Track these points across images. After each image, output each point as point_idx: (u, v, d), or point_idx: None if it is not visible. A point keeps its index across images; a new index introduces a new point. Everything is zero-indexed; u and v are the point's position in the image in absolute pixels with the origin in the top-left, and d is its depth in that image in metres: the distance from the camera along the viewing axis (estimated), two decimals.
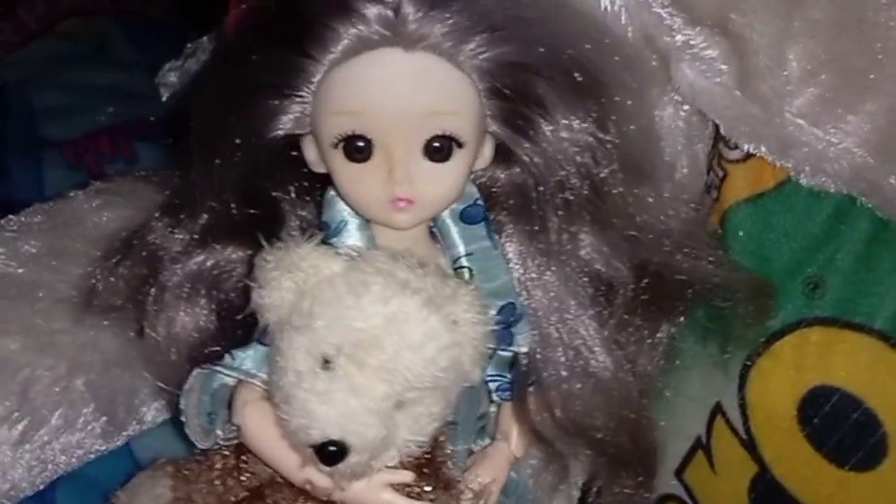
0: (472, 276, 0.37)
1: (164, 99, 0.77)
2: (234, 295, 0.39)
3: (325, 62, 0.32)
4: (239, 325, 0.39)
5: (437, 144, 0.33)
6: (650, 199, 0.37)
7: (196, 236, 0.38)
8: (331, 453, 0.30)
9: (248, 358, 0.34)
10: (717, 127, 0.44)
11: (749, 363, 0.44)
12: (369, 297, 0.30)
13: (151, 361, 0.40)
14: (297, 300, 0.32)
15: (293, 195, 0.38)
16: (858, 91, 0.39)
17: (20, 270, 0.47)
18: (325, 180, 0.37)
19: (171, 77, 0.76)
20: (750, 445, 0.45)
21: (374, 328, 0.30)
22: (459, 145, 0.33)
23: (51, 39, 0.89)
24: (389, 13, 0.31)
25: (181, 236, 0.39)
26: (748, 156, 0.44)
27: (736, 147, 0.44)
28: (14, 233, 0.49)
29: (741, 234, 0.45)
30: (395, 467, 0.32)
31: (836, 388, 0.41)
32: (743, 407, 0.45)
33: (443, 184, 0.34)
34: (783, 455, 0.43)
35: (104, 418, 0.48)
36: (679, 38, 0.42)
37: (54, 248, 0.49)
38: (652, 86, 0.42)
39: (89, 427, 0.47)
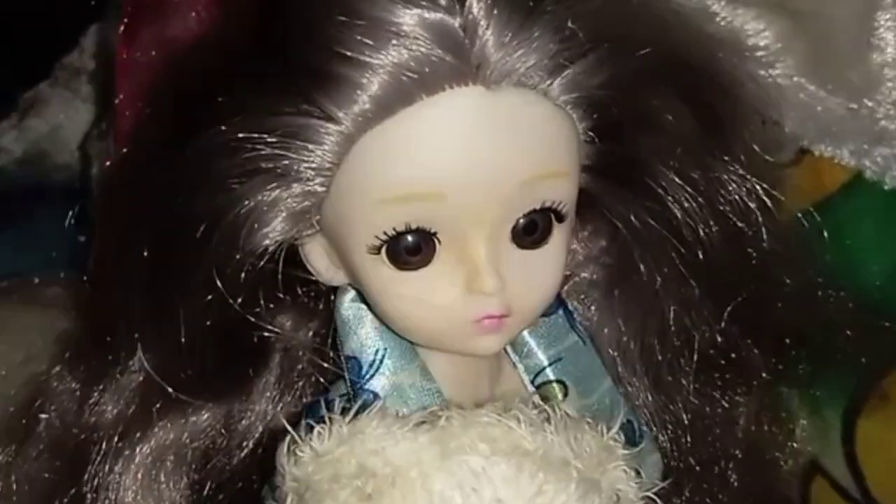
0: (565, 393, 0.26)
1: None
2: (212, 469, 0.26)
3: (349, 122, 0.20)
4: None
5: (530, 223, 0.22)
6: (778, 248, 0.28)
7: (133, 397, 0.24)
8: None
9: None
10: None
11: (852, 414, 0.38)
12: (496, 498, 0.18)
13: None
14: None
15: (274, 319, 0.25)
16: None
17: None
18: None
19: (7, 142, 0.64)
20: None
21: None
22: (560, 219, 0.22)
23: None
24: (455, 24, 0.19)
25: (110, 406, 0.25)
26: (799, 156, 0.38)
27: (781, 149, 0.36)
28: None
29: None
30: None
31: None
32: (852, 463, 0.38)
33: (544, 280, 0.23)
34: None
35: None
36: (723, 23, 0.35)
37: None
38: None
39: None
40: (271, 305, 0.26)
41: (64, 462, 0.26)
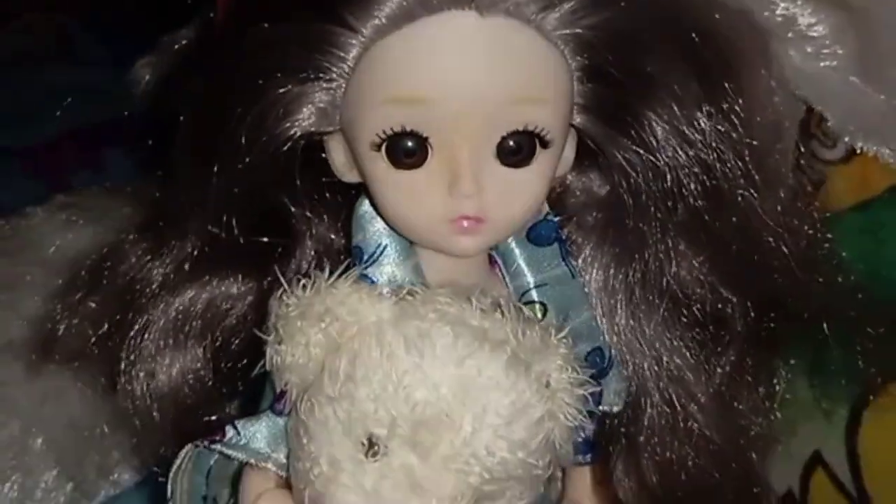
0: (545, 313, 0.29)
1: (137, 98, 0.70)
2: (234, 342, 0.31)
3: (365, 32, 0.24)
4: (241, 381, 0.31)
5: (514, 143, 0.25)
6: (773, 209, 0.29)
7: (184, 266, 0.30)
8: None
9: (257, 433, 0.26)
10: (805, 121, 0.39)
11: (858, 409, 0.39)
12: (434, 355, 0.22)
13: (126, 423, 0.32)
14: (330, 358, 0.23)
15: (310, 212, 0.30)
16: None
17: None
18: (355, 192, 0.29)
19: (145, 74, 0.69)
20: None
21: (442, 399, 0.22)
22: (544, 145, 0.25)
23: (8, 36, 0.82)
24: None
25: (163, 267, 0.30)
26: (850, 155, 0.39)
27: (834, 145, 0.39)
28: None
29: (846, 249, 0.38)
30: None
31: None
32: (852, 458, 0.39)
33: (521, 197, 0.26)
34: None
35: (70, 484, 0.41)
36: (779, 11, 0.36)
37: (6, 277, 0.43)
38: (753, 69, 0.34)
39: (52, 496, 0.39)
40: (308, 202, 0.31)
41: (119, 306, 0.31)
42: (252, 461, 0.26)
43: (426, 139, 0.25)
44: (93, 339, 0.32)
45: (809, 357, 0.38)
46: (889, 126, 0.35)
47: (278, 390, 0.25)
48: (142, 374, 0.30)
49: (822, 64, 0.36)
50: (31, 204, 0.50)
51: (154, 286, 0.31)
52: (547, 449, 0.23)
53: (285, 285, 0.24)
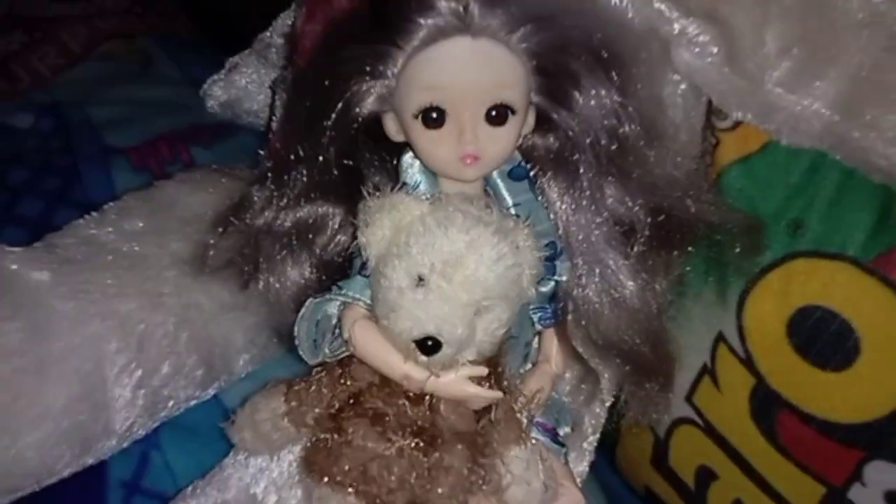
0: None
1: (209, 108, 0.86)
2: (330, 246, 0.47)
3: (408, 49, 0.41)
4: (334, 274, 0.47)
5: (496, 112, 0.41)
6: (661, 154, 0.46)
7: (295, 194, 0.46)
8: (429, 346, 0.39)
9: (352, 286, 0.43)
10: (709, 102, 0.53)
11: (744, 295, 0.52)
12: (454, 228, 0.39)
13: (266, 307, 0.49)
14: (394, 236, 0.40)
15: (374, 162, 0.47)
16: (824, 61, 0.48)
17: (128, 245, 0.56)
18: (397, 152, 0.46)
19: (216, 90, 0.85)
20: (748, 362, 0.52)
21: (458, 251, 0.39)
22: (513, 112, 0.42)
23: (96, 61, 0.98)
24: (460, 9, 0.40)
25: (280, 199, 0.47)
26: (736, 124, 0.52)
27: (726, 117, 0.53)
28: (117, 215, 0.58)
29: (734, 190, 0.53)
30: (473, 362, 0.41)
31: (818, 306, 0.49)
32: (741, 331, 0.53)
33: (501, 143, 0.43)
34: (775, 366, 0.51)
35: (203, 368, 0.56)
36: (676, 26, 0.50)
37: (154, 226, 0.57)
38: (657, 64, 0.51)
39: (192, 376, 0.56)
40: (370, 156, 0.47)
41: (251, 230, 0.48)
42: (350, 301, 0.43)
43: (444, 111, 0.41)
44: (236, 253, 0.50)
45: (705, 260, 0.52)
46: (749, 100, 0.49)
47: (363, 261, 0.43)
48: (276, 275, 0.47)
49: (707, 60, 0.49)
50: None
51: (274, 212, 0.47)
52: (517, 284, 0.41)
53: (366, 196, 0.42)
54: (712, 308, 0.54)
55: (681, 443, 0.60)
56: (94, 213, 0.57)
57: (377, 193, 0.42)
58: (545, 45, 0.42)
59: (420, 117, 0.42)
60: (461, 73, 0.41)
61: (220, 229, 0.50)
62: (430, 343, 0.39)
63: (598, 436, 0.54)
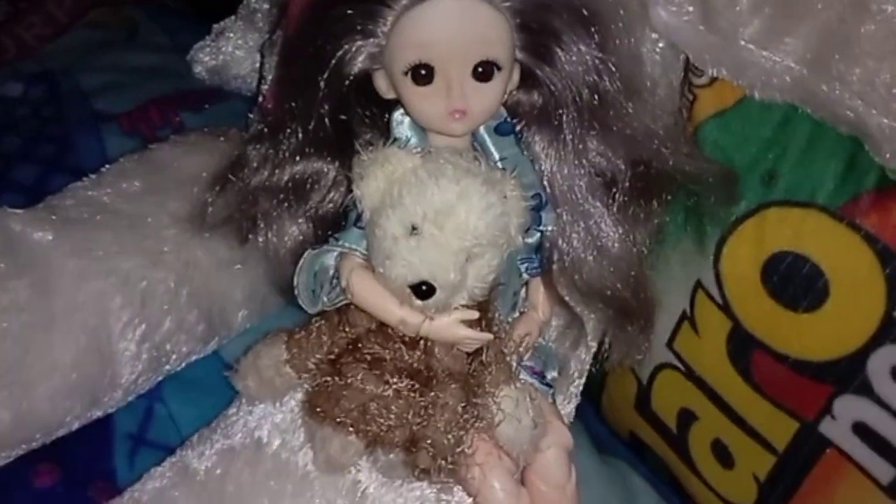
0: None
1: (196, 74, 0.88)
2: (325, 201, 0.49)
3: (397, 8, 0.42)
4: (329, 228, 0.49)
5: (482, 68, 0.43)
6: (640, 108, 0.49)
7: (291, 151, 0.48)
8: (423, 291, 0.41)
9: (348, 236, 0.45)
10: (686, 59, 0.55)
11: (721, 244, 0.55)
12: (445, 179, 0.41)
13: (265, 262, 0.51)
14: (388, 187, 0.43)
15: (365, 118, 0.49)
16: (794, 18, 0.50)
17: (127, 205, 0.58)
18: (387, 109, 0.48)
19: (203, 56, 0.87)
20: (725, 307, 0.55)
21: (449, 201, 0.41)
22: (499, 68, 0.44)
23: (83, 29, 0.99)
24: None
25: (276, 156, 0.49)
26: (712, 80, 0.54)
27: (703, 74, 0.55)
28: (115, 177, 0.60)
29: (710, 144, 0.56)
30: (465, 307, 0.43)
31: (790, 252, 0.52)
32: (718, 278, 0.55)
33: (488, 98, 0.44)
34: (751, 310, 0.54)
35: (203, 324, 0.59)
36: None
37: (152, 187, 0.59)
38: (635, 22, 0.53)
39: (192, 331, 0.58)
40: (362, 113, 0.49)
41: (249, 188, 0.50)
42: (347, 251, 0.45)
43: (432, 67, 0.43)
44: (235, 209, 0.51)
45: (683, 210, 0.55)
46: (723, 56, 0.52)
47: (358, 212, 0.45)
48: (274, 229, 0.49)
49: (683, 19, 0.51)
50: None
51: (270, 169, 0.49)
52: (505, 231, 0.43)
53: (361, 150, 0.44)
54: (690, 257, 0.57)
55: (662, 387, 0.63)
56: (92, 176, 0.59)
57: (371, 148, 0.44)
58: (528, 3, 0.44)
59: (409, 74, 0.44)
60: (448, 31, 0.42)
61: (218, 187, 0.52)
62: (424, 288, 0.41)
63: (583, 379, 0.57)
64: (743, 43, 0.52)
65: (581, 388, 0.57)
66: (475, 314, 0.44)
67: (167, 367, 0.58)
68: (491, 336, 0.44)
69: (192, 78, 0.87)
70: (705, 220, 0.56)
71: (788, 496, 0.56)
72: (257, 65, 0.85)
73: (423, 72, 0.43)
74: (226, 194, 0.51)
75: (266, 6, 0.84)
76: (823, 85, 0.50)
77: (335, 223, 0.50)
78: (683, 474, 0.65)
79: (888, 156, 0.49)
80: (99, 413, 0.55)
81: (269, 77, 0.67)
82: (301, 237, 0.49)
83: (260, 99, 0.70)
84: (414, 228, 0.42)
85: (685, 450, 0.63)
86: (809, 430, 0.53)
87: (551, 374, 0.53)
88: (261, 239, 0.50)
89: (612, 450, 0.69)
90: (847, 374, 0.51)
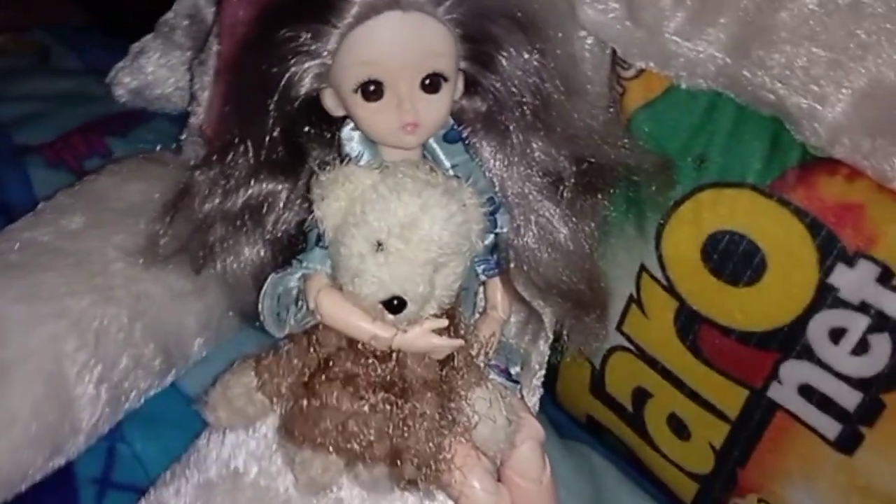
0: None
1: (117, 97, 0.86)
2: (280, 223, 0.49)
3: (342, 27, 0.42)
4: (285, 250, 0.49)
5: (429, 81, 0.44)
6: (579, 106, 0.50)
7: (243, 175, 0.48)
8: (395, 305, 0.42)
9: (312, 258, 0.46)
10: (613, 53, 0.57)
11: (661, 228, 0.57)
12: (406, 193, 0.42)
13: (223, 288, 0.50)
14: (349, 206, 0.43)
15: (314, 137, 0.49)
16: (714, 10, 0.52)
17: (70, 243, 0.56)
18: (336, 125, 0.48)
19: (123, 77, 0.85)
20: (669, 287, 0.57)
21: (413, 214, 0.42)
22: (445, 80, 0.45)
23: None
24: None
25: (225, 181, 0.49)
26: (639, 72, 0.56)
27: (630, 67, 0.57)
28: (53, 215, 0.58)
29: (642, 133, 0.57)
30: (435, 316, 0.44)
31: (727, 230, 0.54)
32: (661, 260, 0.58)
33: (437, 109, 0.45)
34: (694, 287, 0.56)
35: (160, 357, 0.57)
36: None
37: (93, 221, 0.58)
38: (566, 22, 0.54)
39: (150, 366, 0.57)
40: (311, 132, 0.49)
41: (200, 215, 0.50)
42: (313, 272, 0.45)
43: (381, 83, 0.44)
44: (188, 238, 0.51)
45: (624, 199, 0.57)
46: (649, 49, 0.54)
47: (321, 232, 0.45)
48: (232, 255, 0.48)
49: (609, 16, 0.53)
50: (61, 185, 0.63)
51: (222, 194, 0.48)
52: (468, 239, 0.44)
53: (316, 171, 0.44)
54: (633, 242, 0.59)
55: (615, 369, 0.66)
56: (28, 216, 0.57)
57: (327, 168, 0.44)
58: (468, 14, 0.45)
59: (359, 91, 0.44)
60: (396, 47, 0.43)
61: (168, 217, 0.51)
62: (395, 303, 0.42)
63: (544, 371, 0.59)
64: (668, 35, 0.55)
65: (542, 379, 0.59)
66: (445, 322, 0.45)
67: (126, 405, 0.56)
68: (462, 342, 0.46)
69: (111, 100, 0.85)
70: (645, 207, 0.58)
71: (744, 460, 0.59)
72: (180, 83, 0.83)
73: (371, 88, 0.44)
74: (176, 223, 0.51)
75: (185, 23, 0.83)
76: (745, 71, 0.53)
77: (292, 244, 0.50)
78: (642, 450, 0.68)
79: (808, 133, 0.53)
80: (62, 461, 0.53)
81: (202, 96, 0.66)
82: (259, 260, 0.49)
83: (193, 120, 0.69)
84: (379, 244, 0.42)
85: (642, 426, 0.66)
86: (759, 397, 0.57)
87: (515, 370, 0.54)
88: (218, 265, 0.49)
89: (571, 434, 0.71)
90: (789, 340, 0.54)
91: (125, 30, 0.87)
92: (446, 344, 0.45)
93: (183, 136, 0.70)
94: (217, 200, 0.49)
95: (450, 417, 0.45)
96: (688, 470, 0.64)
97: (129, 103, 0.85)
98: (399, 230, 0.42)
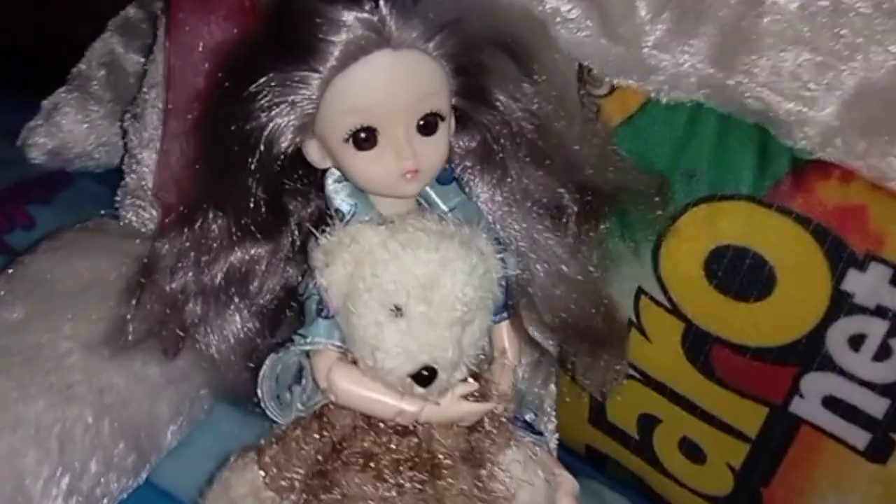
0: None
1: (32, 160, 0.78)
2: (263, 291, 0.44)
3: (325, 72, 0.38)
4: (274, 318, 0.44)
5: (426, 122, 0.41)
6: (575, 130, 0.47)
7: (221, 244, 0.42)
8: (425, 377, 0.37)
9: (316, 332, 0.40)
10: (579, 72, 0.54)
11: (657, 248, 0.55)
12: (421, 248, 0.38)
13: (209, 370, 0.44)
14: (356, 270, 0.38)
15: (295, 192, 0.44)
16: (694, 19, 0.51)
17: (14, 338, 0.49)
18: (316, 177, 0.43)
19: (38, 137, 0.78)
20: (673, 309, 0.55)
21: (432, 272, 0.38)
22: (442, 119, 0.41)
23: None
24: (375, 20, 0.38)
25: (196, 252, 0.43)
26: (612, 90, 0.55)
27: (602, 85, 0.55)
28: None
29: (625, 151, 0.54)
30: (463, 380, 0.40)
31: (728, 245, 0.53)
32: (661, 281, 0.55)
33: (437, 151, 0.42)
34: (701, 307, 0.54)
35: (133, 453, 0.51)
36: (549, 6, 0.52)
37: (37, 310, 0.51)
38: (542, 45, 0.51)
39: (122, 465, 0.50)
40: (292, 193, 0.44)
41: (171, 292, 0.44)
42: (320, 347, 0.40)
43: (375, 130, 0.39)
44: (158, 321, 0.45)
45: (617, 221, 0.56)
46: (628, 65, 0.52)
47: (321, 300, 0.40)
48: (214, 332, 0.43)
49: (582, 34, 0.51)
50: None
51: (194, 266, 0.43)
52: (490, 289, 0.40)
53: (316, 234, 0.39)
54: (626, 265, 0.56)
55: (618, 397, 0.63)
56: None
57: (326, 231, 0.39)
58: (459, 46, 0.41)
59: (350, 140, 0.39)
60: (389, 90, 0.39)
61: (135, 300, 0.45)
62: (426, 374, 0.37)
63: (557, 412, 0.55)
64: (647, 50, 0.53)
65: (557, 421, 0.55)
66: (475, 385, 0.40)
67: None
68: (494, 404, 0.41)
69: (27, 164, 0.77)
70: (637, 228, 0.55)
71: (768, 479, 0.57)
72: (103, 138, 0.77)
73: (364, 136, 0.39)
74: (147, 302, 0.44)
75: (101, 72, 0.77)
76: (730, 79, 0.52)
77: (278, 313, 0.44)
78: (652, 477, 0.65)
79: (798, 137, 0.51)
80: None
81: (142, 155, 0.59)
82: (246, 334, 0.44)
83: (130, 180, 0.62)
84: (398, 309, 0.38)
85: (651, 453, 0.63)
86: (780, 413, 0.55)
87: (530, 417, 0.51)
88: (202, 345, 0.43)
89: (577, 469, 0.68)
90: (808, 352, 0.52)
91: (34, 85, 0.79)
92: (479, 409, 0.41)
93: (119, 199, 0.63)
94: (190, 274, 0.43)
95: (488, 489, 0.40)
96: (704, 493, 0.62)
97: (47, 165, 0.77)
98: (419, 291, 0.37)
